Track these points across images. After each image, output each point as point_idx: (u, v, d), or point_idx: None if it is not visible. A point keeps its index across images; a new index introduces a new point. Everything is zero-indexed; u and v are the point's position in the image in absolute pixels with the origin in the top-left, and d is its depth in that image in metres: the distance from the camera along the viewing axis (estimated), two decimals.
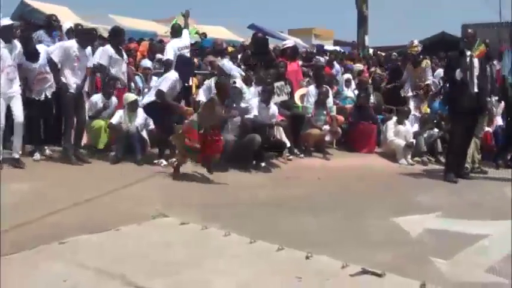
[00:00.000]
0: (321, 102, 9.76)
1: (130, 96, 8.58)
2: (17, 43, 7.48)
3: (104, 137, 8.46)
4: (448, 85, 8.63)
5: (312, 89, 9.90)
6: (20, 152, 7.46)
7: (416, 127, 10.07)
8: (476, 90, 7.93)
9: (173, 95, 8.14)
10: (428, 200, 6.68)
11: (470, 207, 6.36)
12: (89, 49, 8.23)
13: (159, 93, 7.96)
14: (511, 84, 8.92)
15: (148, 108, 8.23)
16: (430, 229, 5.26)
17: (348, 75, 12.32)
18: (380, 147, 10.32)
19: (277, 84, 9.38)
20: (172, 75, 8.14)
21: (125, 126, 8.25)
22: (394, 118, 10.18)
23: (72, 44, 7.97)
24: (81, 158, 8.02)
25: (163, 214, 5.37)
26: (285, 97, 9.60)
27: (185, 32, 10.33)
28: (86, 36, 8.23)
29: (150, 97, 8.22)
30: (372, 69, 14.89)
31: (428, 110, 10.66)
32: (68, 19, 12.28)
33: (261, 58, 10.25)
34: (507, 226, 5.43)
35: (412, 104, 10.62)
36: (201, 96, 9.12)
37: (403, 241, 4.87)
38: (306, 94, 9.95)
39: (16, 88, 7.45)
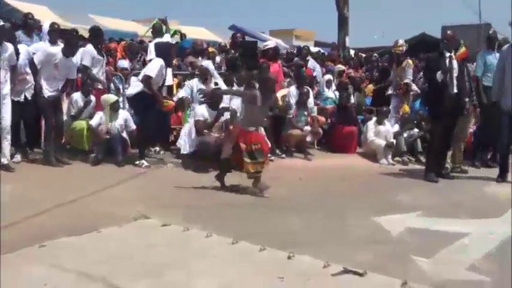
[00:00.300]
0: (302, 103, 9.79)
1: (111, 98, 8.54)
2: (8, 45, 7.40)
3: (87, 138, 8.40)
4: (427, 86, 8.69)
5: (293, 89, 9.93)
6: (9, 157, 7.38)
7: (397, 127, 10.14)
8: (455, 91, 8.02)
9: (159, 83, 8.13)
10: (409, 199, 6.72)
11: (450, 206, 6.41)
12: (73, 60, 8.12)
13: (146, 78, 7.93)
14: (484, 86, 9.01)
15: (134, 100, 8.20)
16: (411, 228, 5.30)
17: (328, 76, 12.36)
18: (361, 148, 10.38)
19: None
20: (157, 62, 8.12)
21: (105, 128, 8.20)
22: (374, 118, 10.24)
23: (57, 51, 7.87)
24: (61, 160, 7.95)
25: (145, 216, 5.33)
26: None
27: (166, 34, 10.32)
28: (71, 41, 8.11)
29: (136, 87, 8.16)
30: (349, 70, 14.94)
31: (408, 110, 10.72)
32: (47, 18, 12.16)
33: (249, 60, 10.24)
34: (487, 224, 5.52)
35: (392, 104, 10.68)
36: (182, 93, 9.11)
37: (385, 240, 4.89)
38: (287, 95, 9.97)
39: (6, 91, 7.37)
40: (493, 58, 9.22)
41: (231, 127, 7.09)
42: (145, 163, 8.06)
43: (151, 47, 9.88)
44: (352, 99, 11.42)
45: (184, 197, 6.51)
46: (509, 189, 7.33)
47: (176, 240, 4.64)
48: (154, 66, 8.07)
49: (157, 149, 8.86)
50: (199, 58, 10.90)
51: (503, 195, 6.98)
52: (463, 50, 8.19)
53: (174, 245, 4.51)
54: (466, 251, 4.66)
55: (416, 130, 10.21)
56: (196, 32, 20.54)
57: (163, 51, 8.44)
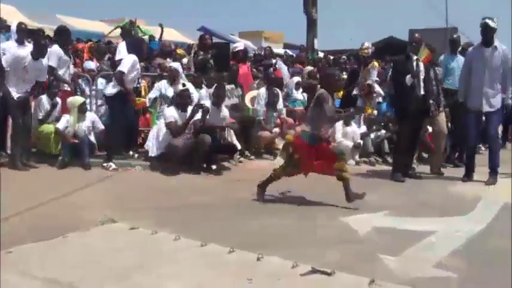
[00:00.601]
0: (271, 104, 9.82)
1: (78, 100, 8.44)
2: None
3: (54, 142, 8.28)
4: (393, 88, 8.78)
5: (263, 91, 9.96)
6: None
7: (364, 128, 10.22)
8: (422, 93, 8.13)
9: (135, 80, 8.11)
10: (376, 199, 6.76)
11: (417, 206, 6.50)
12: (43, 62, 7.99)
13: (119, 75, 7.91)
14: (444, 89, 9.11)
15: (111, 99, 8.14)
16: (378, 227, 5.36)
17: (297, 78, 12.41)
18: None
19: (227, 87, 9.40)
20: (130, 58, 8.13)
21: (72, 131, 8.10)
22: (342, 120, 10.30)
23: (26, 53, 7.74)
24: (27, 163, 7.82)
25: (112, 219, 5.28)
26: (235, 100, 9.64)
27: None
28: (39, 43, 7.98)
29: (115, 87, 8.09)
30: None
31: (370, 110, 10.80)
32: (14, 18, 11.96)
33: (221, 62, 10.22)
34: (453, 223, 5.62)
35: (357, 105, 10.74)
36: (152, 95, 9.05)
37: (352, 240, 4.94)
38: (257, 96, 9.99)
39: None
40: (455, 62, 9.43)
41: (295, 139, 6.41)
42: (113, 165, 7.98)
43: (120, 48, 9.77)
44: None
45: (152, 199, 6.47)
46: (474, 188, 7.49)
47: (144, 244, 4.61)
48: (126, 62, 8.10)
49: (132, 153, 8.76)
50: (168, 59, 10.83)
51: (469, 195, 7.11)
52: (426, 53, 8.32)
53: (142, 249, 4.48)
54: (433, 249, 4.73)
55: (383, 131, 10.31)
56: (164, 33, 20.40)
57: (134, 46, 8.46)
